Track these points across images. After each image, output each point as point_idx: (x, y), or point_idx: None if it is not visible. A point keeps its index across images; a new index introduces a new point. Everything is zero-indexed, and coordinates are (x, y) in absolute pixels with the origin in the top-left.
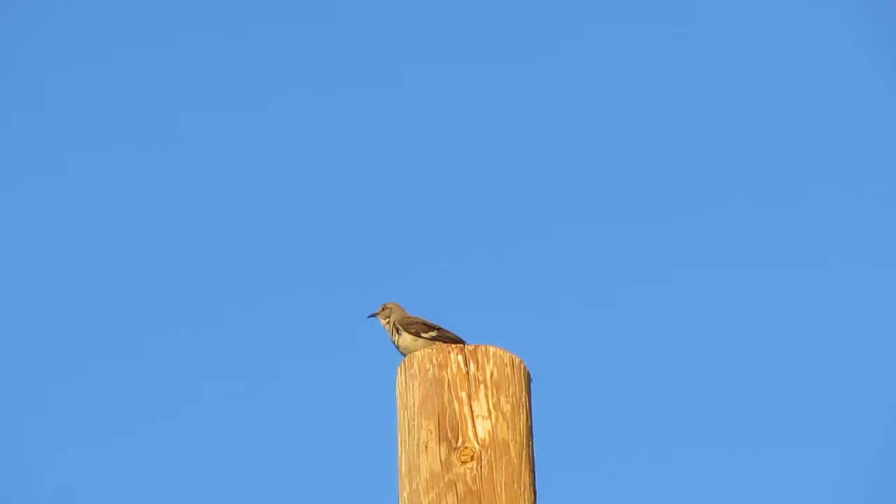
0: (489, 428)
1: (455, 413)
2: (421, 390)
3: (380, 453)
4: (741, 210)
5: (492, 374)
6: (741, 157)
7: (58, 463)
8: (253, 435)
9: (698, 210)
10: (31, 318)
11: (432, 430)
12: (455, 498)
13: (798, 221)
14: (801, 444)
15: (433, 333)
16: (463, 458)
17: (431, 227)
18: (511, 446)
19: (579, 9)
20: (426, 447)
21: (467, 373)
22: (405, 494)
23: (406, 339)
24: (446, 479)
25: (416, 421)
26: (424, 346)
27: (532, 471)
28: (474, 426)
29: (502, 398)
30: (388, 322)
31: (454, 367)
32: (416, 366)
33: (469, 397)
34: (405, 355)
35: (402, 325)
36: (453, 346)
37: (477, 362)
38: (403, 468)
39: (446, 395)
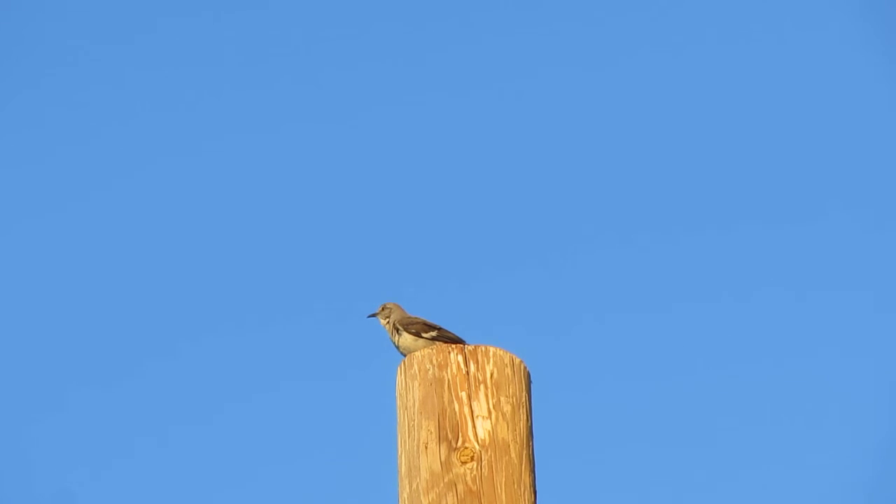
0: (489, 428)
1: (455, 413)
2: (421, 390)
3: (380, 453)
4: (743, 235)
5: (492, 375)
6: (748, 186)
7: (60, 465)
8: (253, 434)
9: (700, 231)
10: (41, 326)
11: (432, 430)
12: (455, 498)
13: (815, 246)
14: (800, 448)
15: (433, 333)
16: (463, 459)
17: (433, 231)
18: (511, 446)
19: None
20: (426, 447)
21: (467, 373)
22: (405, 495)
23: (406, 339)
24: (446, 480)
25: (416, 421)
26: (425, 347)
27: (532, 471)
28: (474, 426)
29: (502, 398)
30: (388, 322)
31: (454, 367)
32: (416, 366)
33: (469, 397)
34: (405, 355)
35: (403, 326)
36: (453, 346)
37: (477, 362)
38: (403, 468)
39: (446, 395)
